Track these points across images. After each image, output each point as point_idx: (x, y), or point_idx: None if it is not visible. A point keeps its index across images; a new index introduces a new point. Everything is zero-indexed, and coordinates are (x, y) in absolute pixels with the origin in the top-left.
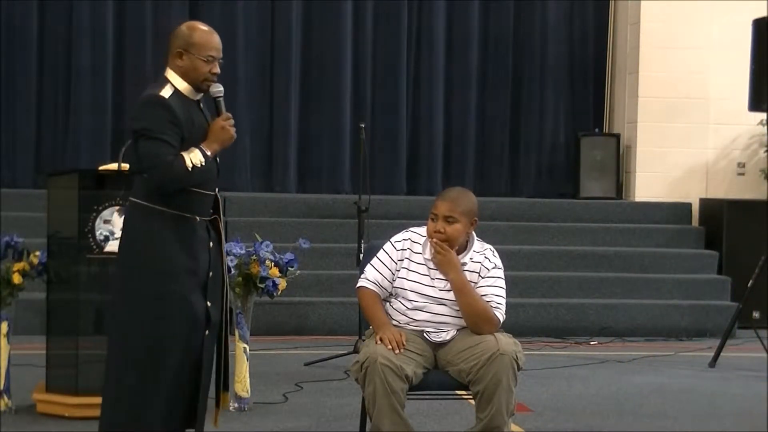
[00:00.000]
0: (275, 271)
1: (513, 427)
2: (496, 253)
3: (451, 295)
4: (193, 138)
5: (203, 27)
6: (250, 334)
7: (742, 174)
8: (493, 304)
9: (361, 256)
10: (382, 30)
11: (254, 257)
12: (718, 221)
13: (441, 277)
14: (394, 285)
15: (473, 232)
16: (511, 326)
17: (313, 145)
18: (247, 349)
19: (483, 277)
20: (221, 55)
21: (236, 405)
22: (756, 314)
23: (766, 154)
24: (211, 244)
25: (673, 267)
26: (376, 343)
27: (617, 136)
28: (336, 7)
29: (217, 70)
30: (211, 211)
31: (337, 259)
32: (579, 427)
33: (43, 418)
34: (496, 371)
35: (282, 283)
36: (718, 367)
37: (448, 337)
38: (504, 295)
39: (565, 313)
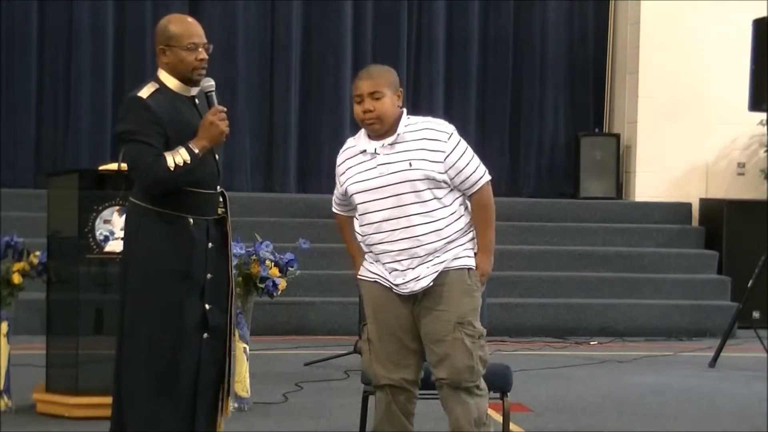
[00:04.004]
0: (275, 271)
1: (513, 427)
2: (438, 121)
3: (403, 182)
4: (182, 135)
5: (179, 17)
6: (250, 334)
7: (742, 174)
8: (475, 179)
9: None
10: (382, 30)
11: (254, 257)
12: (718, 221)
13: (384, 162)
14: (349, 197)
15: (402, 108)
16: (512, 326)
17: (313, 145)
18: (247, 349)
19: (447, 158)
20: (204, 40)
21: (236, 405)
22: (756, 314)
23: (766, 154)
24: (210, 245)
25: (673, 267)
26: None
27: (617, 136)
28: (336, 7)
29: (204, 56)
30: (222, 210)
31: (337, 259)
32: (579, 427)
33: (43, 418)
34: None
35: (282, 283)
36: (718, 367)
37: (417, 287)
38: (472, 159)
39: (565, 313)
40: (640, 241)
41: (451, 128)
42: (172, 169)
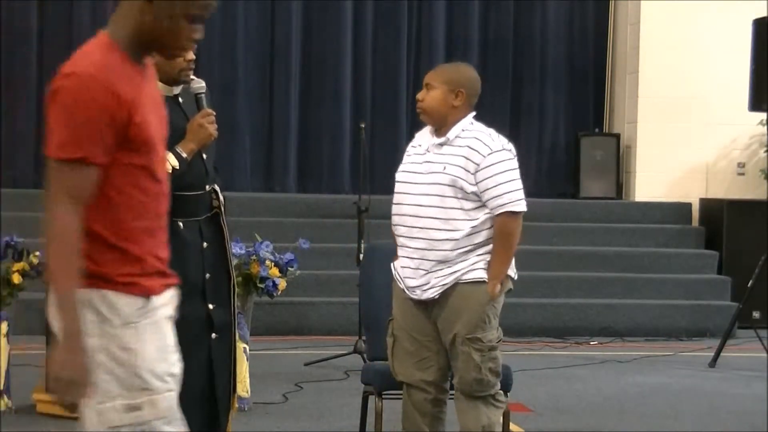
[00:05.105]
0: (275, 271)
1: (513, 427)
2: (494, 136)
3: (433, 183)
4: (167, 138)
5: None
6: (250, 334)
7: (742, 174)
8: (498, 203)
9: (361, 256)
10: (382, 30)
11: (254, 257)
12: (718, 221)
13: (429, 161)
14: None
15: (469, 114)
16: (511, 326)
17: (313, 145)
18: (247, 349)
19: (477, 172)
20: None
21: (236, 405)
22: (756, 314)
23: (766, 154)
24: (205, 244)
25: (673, 267)
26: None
27: (617, 136)
28: (336, 7)
29: (193, 57)
30: (218, 204)
31: (337, 259)
32: (579, 427)
33: (43, 418)
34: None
35: (282, 283)
36: (718, 367)
37: (424, 296)
38: (505, 184)
39: (565, 313)
40: (640, 241)
41: (499, 145)
42: None
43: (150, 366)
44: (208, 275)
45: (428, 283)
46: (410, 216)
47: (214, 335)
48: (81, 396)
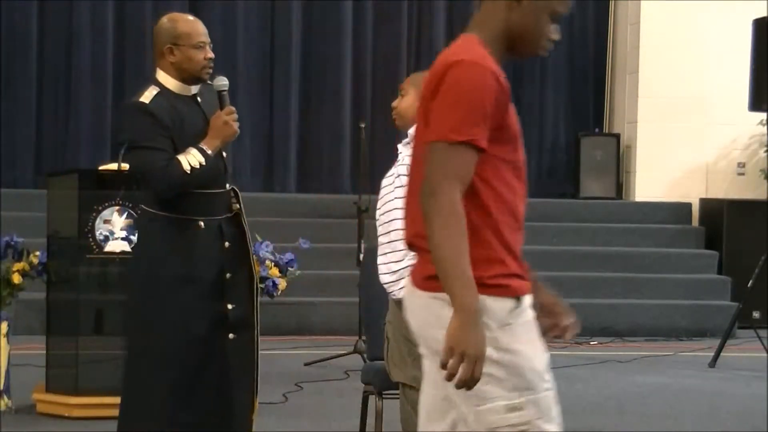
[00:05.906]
0: (275, 271)
1: None
2: None
3: (396, 176)
4: (185, 136)
5: (185, 16)
6: None
7: (742, 174)
8: None
9: (361, 256)
10: (382, 30)
11: (254, 257)
12: (718, 221)
13: (400, 159)
14: None
15: None
16: None
17: (313, 145)
18: None
19: None
20: (209, 39)
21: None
22: (756, 314)
23: (766, 154)
24: (227, 244)
25: (673, 267)
26: None
27: (617, 136)
28: (336, 7)
29: (211, 54)
30: (238, 207)
31: (337, 259)
32: (579, 427)
33: (43, 418)
34: None
35: (282, 283)
36: (718, 367)
37: (399, 295)
38: None
39: None
40: (640, 241)
41: None
42: (189, 172)
43: (531, 365)
44: (228, 275)
45: (400, 280)
46: (381, 213)
47: (231, 335)
48: (480, 372)
